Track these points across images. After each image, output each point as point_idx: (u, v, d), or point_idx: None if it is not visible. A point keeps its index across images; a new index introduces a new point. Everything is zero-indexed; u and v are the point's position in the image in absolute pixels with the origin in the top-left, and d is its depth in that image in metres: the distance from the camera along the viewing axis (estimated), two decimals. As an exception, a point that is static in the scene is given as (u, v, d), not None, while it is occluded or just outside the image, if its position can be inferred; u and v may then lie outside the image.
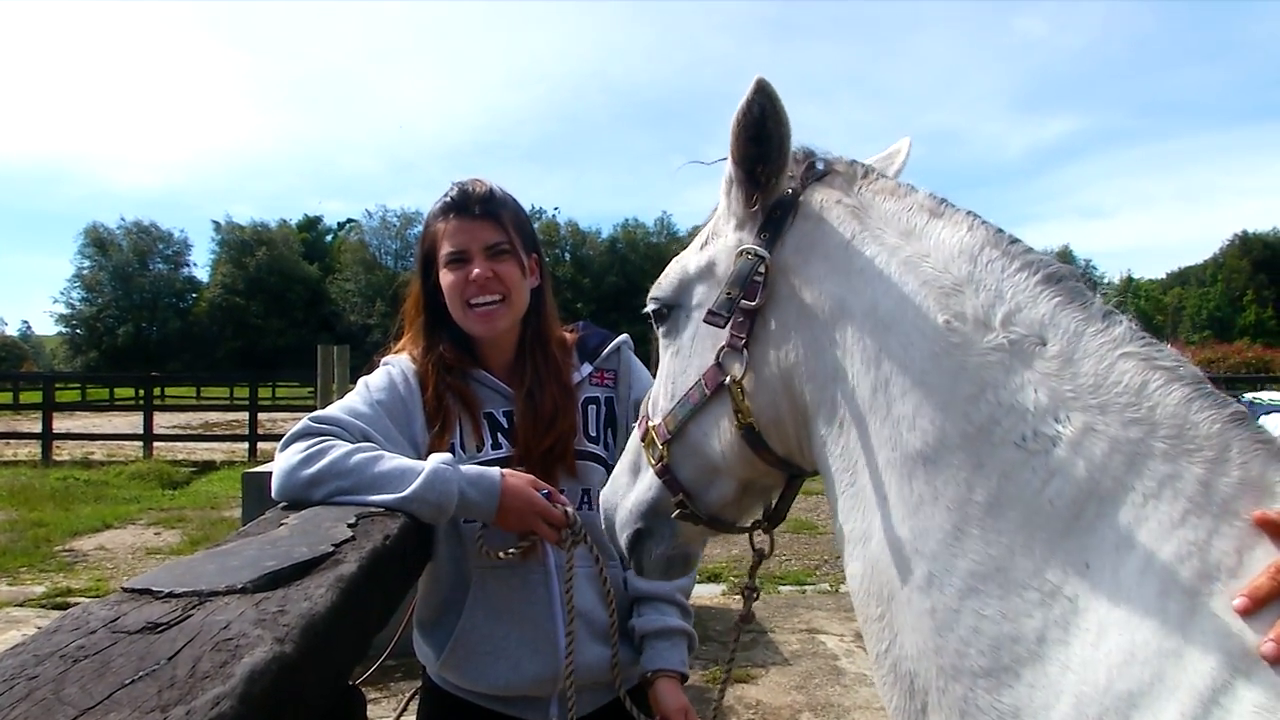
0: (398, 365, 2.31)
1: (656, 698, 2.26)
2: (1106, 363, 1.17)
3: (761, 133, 1.43)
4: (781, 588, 9.12)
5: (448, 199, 2.30)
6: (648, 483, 1.67)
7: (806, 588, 9.05)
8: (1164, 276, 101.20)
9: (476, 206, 2.27)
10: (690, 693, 6.22)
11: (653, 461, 1.63)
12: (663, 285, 1.68)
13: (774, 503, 1.72)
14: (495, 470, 2.02)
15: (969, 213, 1.40)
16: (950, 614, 1.19)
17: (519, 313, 2.33)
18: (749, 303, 1.47)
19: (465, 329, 2.31)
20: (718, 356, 1.51)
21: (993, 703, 1.13)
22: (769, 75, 1.39)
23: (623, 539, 1.73)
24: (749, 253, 1.48)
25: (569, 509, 2.05)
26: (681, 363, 1.62)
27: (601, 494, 1.82)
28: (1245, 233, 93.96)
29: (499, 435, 2.28)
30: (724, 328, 1.50)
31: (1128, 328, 1.21)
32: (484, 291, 2.23)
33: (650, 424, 1.65)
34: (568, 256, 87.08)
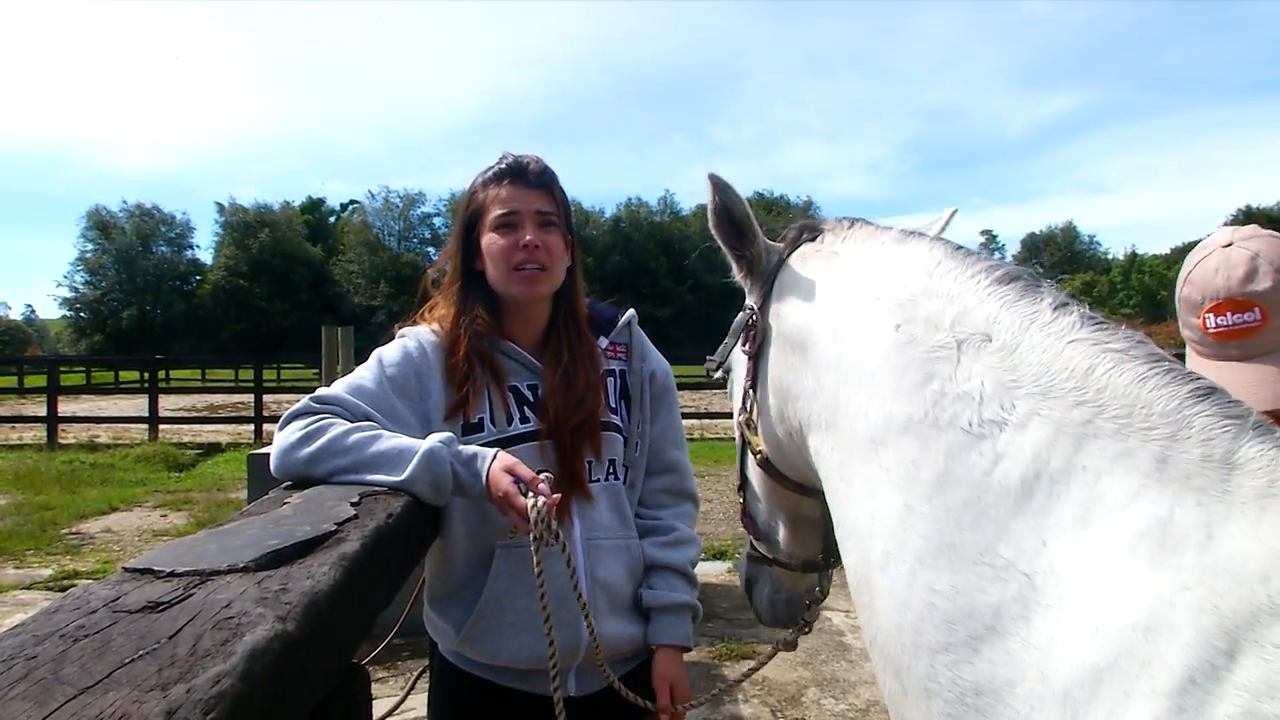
0: (415, 337, 2.29)
1: (656, 669, 2.29)
2: (1052, 351, 1.22)
3: (730, 216, 1.77)
4: (786, 565, 9.15)
5: (502, 166, 2.32)
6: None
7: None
8: (1168, 251, 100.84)
9: (531, 175, 2.30)
10: (697, 669, 6.23)
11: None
12: (718, 354, 1.97)
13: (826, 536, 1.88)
14: (489, 453, 1.97)
15: (932, 239, 1.53)
16: (905, 590, 1.24)
17: (557, 285, 2.33)
18: (749, 349, 1.77)
19: (505, 292, 2.29)
20: (743, 401, 1.80)
21: (954, 678, 1.15)
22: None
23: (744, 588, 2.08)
24: (747, 308, 1.81)
25: (540, 502, 1.84)
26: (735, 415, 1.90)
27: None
28: (1249, 207, 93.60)
29: (525, 409, 2.27)
30: (717, 371, 1.91)
31: (1079, 316, 1.26)
32: (531, 258, 2.23)
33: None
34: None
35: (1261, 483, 1.01)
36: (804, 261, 1.71)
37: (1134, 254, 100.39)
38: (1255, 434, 1.05)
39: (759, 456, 1.72)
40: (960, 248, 1.47)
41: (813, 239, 1.75)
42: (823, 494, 1.63)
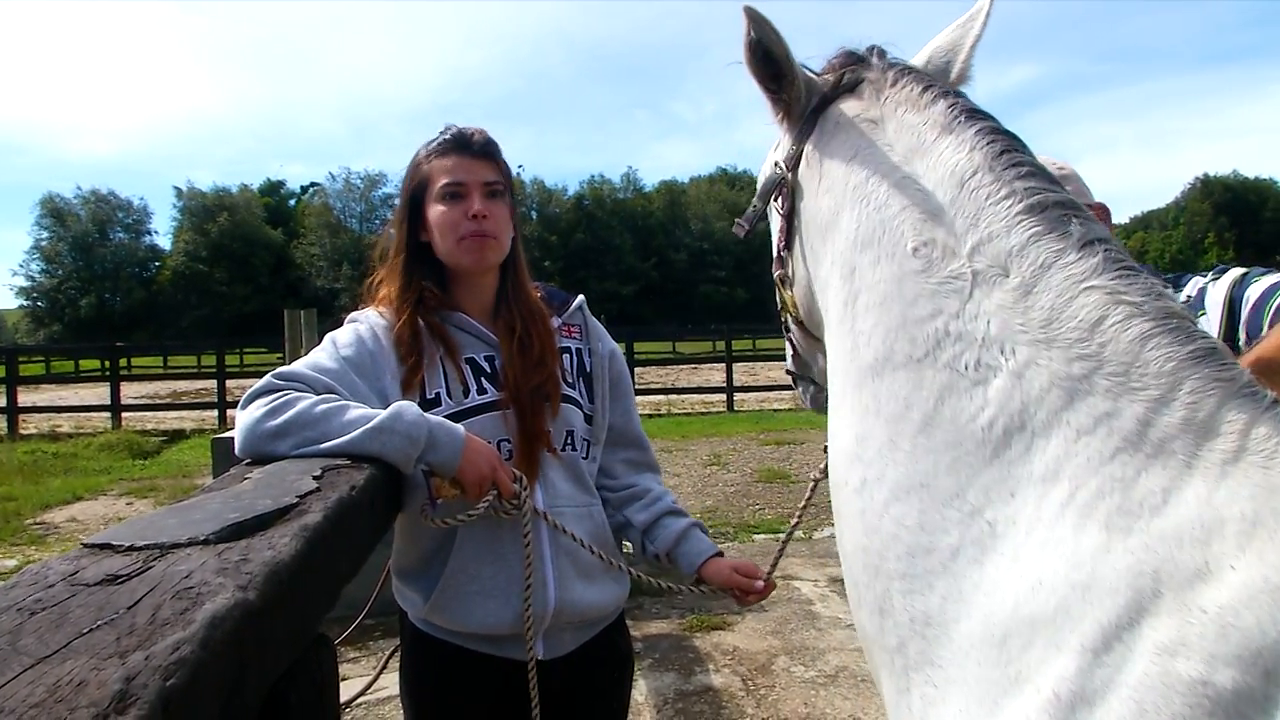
0: (366, 321, 2.29)
1: (716, 573, 2.37)
2: (1066, 296, 1.16)
3: (767, 54, 1.57)
4: (756, 536, 9.22)
5: (446, 137, 2.33)
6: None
7: (780, 535, 9.14)
8: (1127, 221, 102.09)
9: (476, 146, 2.31)
10: (668, 641, 6.25)
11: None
12: (758, 192, 1.85)
13: None
14: (457, 424, 2.04)
15: (980, 129, 1.37)
16: (876, 518, 1.28)
17: (505, 254, 2.36)
18: (782, 209, 1.66)
19: (453, 262, 2.31)
20: (778, 257, 1.74)
21: (906, 605, 1.21)
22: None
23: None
24: (776, 164, 1.69)
25: (516, 470, 2.11)
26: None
27: None
28: (1206, 176, 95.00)
29: (483, 380, 2.28)
30: (743, 236, 1.81)
31: (1103, 258, 1.17)
32: (481, 227, 2.26)
33: None
34: (534, 215, 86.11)
35: (1231, 447, 1.00)
36: (842, 127, 1.55)
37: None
38: (1239, 398, 1.03)
39: (793, 315, 1.68)
40: (1005, 151, 1.33)
41: (853, 89, 1.58)
42: None
